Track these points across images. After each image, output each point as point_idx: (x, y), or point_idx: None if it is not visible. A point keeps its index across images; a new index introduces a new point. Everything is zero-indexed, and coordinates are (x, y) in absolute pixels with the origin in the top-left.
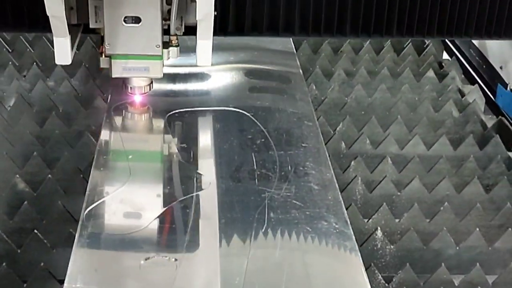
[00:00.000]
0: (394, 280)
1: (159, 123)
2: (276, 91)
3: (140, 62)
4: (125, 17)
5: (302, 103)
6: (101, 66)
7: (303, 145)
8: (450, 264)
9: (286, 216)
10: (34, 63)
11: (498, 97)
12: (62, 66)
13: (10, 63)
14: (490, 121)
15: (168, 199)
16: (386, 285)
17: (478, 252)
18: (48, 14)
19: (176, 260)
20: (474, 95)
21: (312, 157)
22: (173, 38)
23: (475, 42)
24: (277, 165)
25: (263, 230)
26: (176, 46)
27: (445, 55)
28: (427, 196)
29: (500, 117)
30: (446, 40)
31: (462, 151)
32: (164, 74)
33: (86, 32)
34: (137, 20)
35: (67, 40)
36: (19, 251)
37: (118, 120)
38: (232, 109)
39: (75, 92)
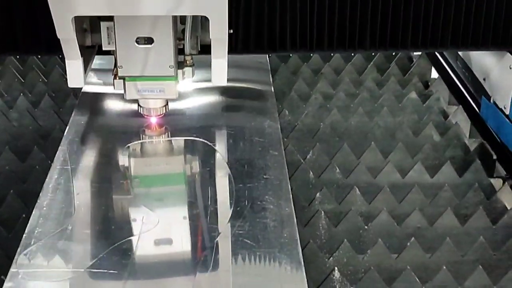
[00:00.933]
0: None
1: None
2: (243, 117)
3: (155, 83)
4: (138, 38)
5: (270, 130)
6: (115, 88)
7: (264, 177)
8: None
9: (234, 257)
10: None
11: (482, 110)
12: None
13: None
14: (473, 144)
15: (105, 243)
16: None
17: None
18: (58, 36)
19: None
20: (458, 117)
21: (272, 190)
22: (188, 58)
23: (462, 56)
24: (233, 200)
25: (207, 274)
26: (191, 66)
27: (434, 73)
28: (396, 229)
29: (482, 140)
30: (438, 56)
31: (439, 178)
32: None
33: (101, 54)
34: (149, 41)
35: (79, 62)
36: None
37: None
38: (195, 138)
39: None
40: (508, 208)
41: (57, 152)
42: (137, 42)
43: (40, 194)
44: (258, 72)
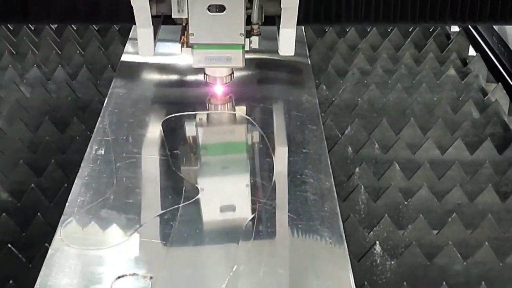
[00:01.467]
0: None
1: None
2: (280, 91)
3: (222, 52)
4: (209, 6)
5: (308, 104)
6: (182, 55)
7: (303, 151)
8: (457, 282)
9: (275, 230)
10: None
11: None
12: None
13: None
14: None
15: (150, 213)
16: None
17: (487, 268)
18: (132, 4)
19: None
20: (497, 94)
21: (312, 164)
22: (255, 27)
23: (499, 31)
24: (273, 173)
25: (249, 244)
26: (258, 35)
27: (472, 51)
28: (436, 205)
29: None
30: (475, 34)
31: (479, 155)
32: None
33: (164, 24)
34: (221, 8)
35: (151, 31)
36: None
37: None
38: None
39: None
40: None
41: (97, 123)
42: (208, 9)
43: (82, 164)
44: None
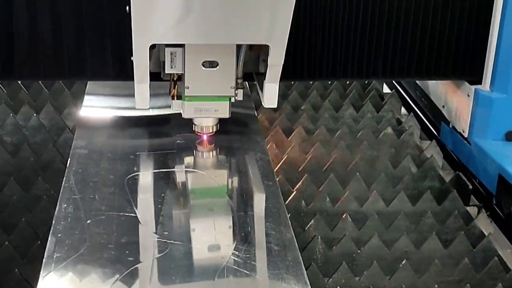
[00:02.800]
0: None
1: None
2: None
3: (211, 103)
4: (204, 62)
5: (262, 162)
6: (173, 108)
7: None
8: None
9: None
10: None
11: (441, 134)
12: None
13: None
14: (448, 175)
15: (125, 265)
16: None
17: None
18: (134, 61)
19: None
20: (431, 151)
21: (272, 217)
22: (240, 81)
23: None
24: (237, 227)
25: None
26: (242, 88)
27: (404, 110)
28: (386, 253)
29: (457, 172)
30: (405, 95)
31: (420, 206)
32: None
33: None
34: (214, 64)
35: (147, 86)
36: None
37: None
38: (194, 171)
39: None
40: (486, 233)
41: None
42: (203, 65)
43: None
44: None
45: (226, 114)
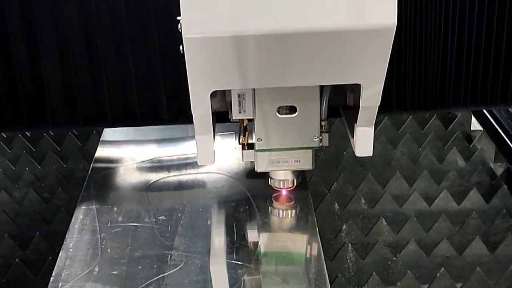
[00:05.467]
0: None
1: None
2: None
3: (290, 153)
4: (279, 108)
5: None
6: (244, 159)
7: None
8: None
9: None
10: None
11: None
12: None
13: None
14: (499, 169)
15: (138, 282)
16: None
17: None
18: (193, 112)
19: None
20: (482, 141)
21: (298, 225)
22: (324, 123)
23: None
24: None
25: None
26: (327, 132)
27: None
28: (425, 259)
29: (508, 165)
30: None
31: (465, 205)
32: None
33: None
34: (292, 110)
35: (211, 138)
36: None
37: None
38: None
39: None
40: None
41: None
42: (278, 111)
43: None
44: None
45: (309, 165)
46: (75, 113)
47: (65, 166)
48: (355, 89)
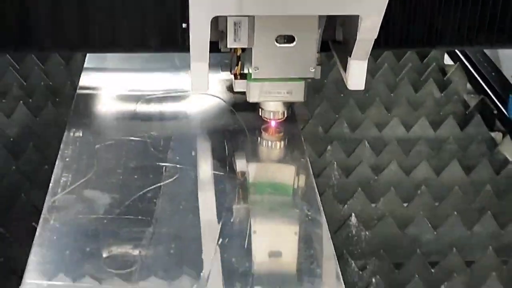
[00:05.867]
0: (368, 267)
1: None
2: None
3: (283, 84)
4: (278, 37)
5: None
6: (236, 89)
7: None
8: (428, 249)
9: None
10: None
11: (510, 108)
12: None
13: None
14: (473, 100)
15: (134, 190)
16: (360, 272)
17: (457, 236)
18: (191, 37)
19: (140, 252)
20: (456, 75)
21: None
22: (318, 56)
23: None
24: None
25: (232, 218)
26: (320, 64)
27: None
28: (405, 179)
29: (482, 96)
30: None
31: (442, 132)
32: None
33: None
34: (290, 39)
35: (206, 65)
36: None
37: None
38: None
39: None
40: (510, 160)
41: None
42: (276, 41)
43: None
44: None
45: (301, 97)
46: (62, 37)
47: (50, 84)
48: (346, 23)
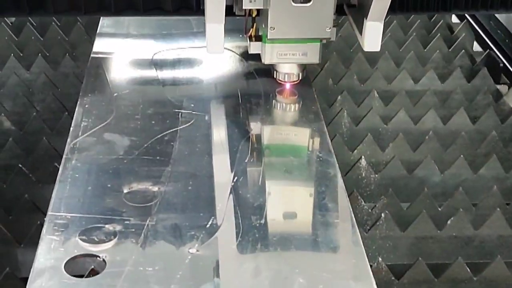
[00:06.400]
0: (377, 205)
1: None
2: None
3: (298, 46)
4: None
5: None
6: (251, 51)
7: None
8: (435, 191)
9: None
10: None
11: None
12: None
13: None
14: (479, 54)
15: (152, 133)
16: (370, 211)
17: (462, 179)
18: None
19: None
20: (463, 31)
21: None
22: (334, 17)
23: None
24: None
25: (246, 159)
26: (335, 26)
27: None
28: (413, 128)
29: (488, 50)
30: None
31: (449, 84)
32: None
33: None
34: None
35: (222, 26)
36: (4, 186)
37: None
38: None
39: None
40: None
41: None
42: (292, 0)
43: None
44: None
45: (316, 59)
46: (77, 1)
47: (67, 39)
48: None
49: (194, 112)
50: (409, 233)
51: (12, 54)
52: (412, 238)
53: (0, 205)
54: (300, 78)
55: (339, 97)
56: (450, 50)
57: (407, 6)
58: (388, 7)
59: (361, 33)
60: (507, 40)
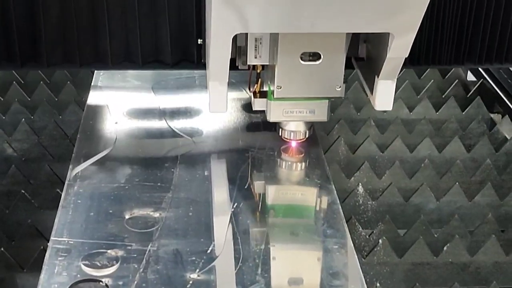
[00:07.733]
0: (374, 232)
1: None
2: None
3: (305, 104)
4: (302, 54)
5: None
6: (255, 108)
7: None
8: (431, 218)
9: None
10: None
11: None
12: None
13: None
14: (473, 85)
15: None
16: (367, 237)
17: (458, 206)
18: (211, 56)
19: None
20: None
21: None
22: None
23: None
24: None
25: (246, 186)
26: (345, 82)
27: None
28: (409, 155)
29: (482, 80)
30: None
31: (444, 113)
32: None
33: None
34: (316, 56)
35: (225, 86)
36: (7, 211)
37: None
38: None
39: None
40: (509, 138)
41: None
42: (301, 58)
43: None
44: None
45: (324, 117)
46: (72, 53)
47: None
48: (371, 40)
49: (193, 140)
50: (406, 259)
51: None
52: (409, 264)
53: (3, 230)
54: (307, 136)
55: (336, 125)
56: (444, 79)
57: (417, 59)
58: (401, 65)
59: (370, 89)
60: (500, 70)
